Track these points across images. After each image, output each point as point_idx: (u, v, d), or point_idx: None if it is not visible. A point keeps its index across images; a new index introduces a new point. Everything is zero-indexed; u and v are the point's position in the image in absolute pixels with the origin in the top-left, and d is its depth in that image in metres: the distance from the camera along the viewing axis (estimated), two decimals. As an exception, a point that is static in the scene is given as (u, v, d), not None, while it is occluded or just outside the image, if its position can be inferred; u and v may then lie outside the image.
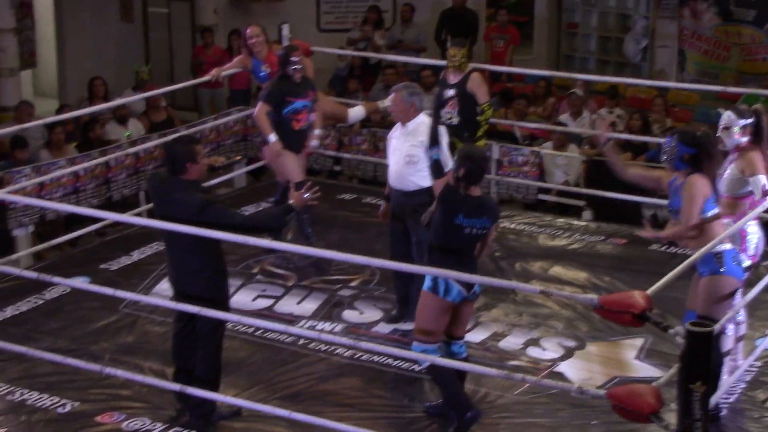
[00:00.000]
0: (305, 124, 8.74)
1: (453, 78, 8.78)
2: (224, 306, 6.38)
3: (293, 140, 8.70)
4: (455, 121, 8.72)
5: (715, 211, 6.25)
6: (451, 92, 8.74)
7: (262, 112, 8.62)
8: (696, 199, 6.15)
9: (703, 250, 5.88)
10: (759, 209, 6.59)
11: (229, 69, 9.82)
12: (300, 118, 8.67)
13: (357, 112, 9.58)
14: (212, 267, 6.31)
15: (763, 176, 6.76)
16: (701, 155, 6.20)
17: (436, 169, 6.60)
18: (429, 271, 6.06)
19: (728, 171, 6.87)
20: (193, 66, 13.89)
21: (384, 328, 7.70)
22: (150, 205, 7.96)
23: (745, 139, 6.88)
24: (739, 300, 6.37)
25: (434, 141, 6.85)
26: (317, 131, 9.03)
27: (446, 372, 6.29)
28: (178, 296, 6.37)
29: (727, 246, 6.21)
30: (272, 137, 8.59)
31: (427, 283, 6.29)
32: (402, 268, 6.67)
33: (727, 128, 6.92)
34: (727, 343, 6.62)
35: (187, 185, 6.19)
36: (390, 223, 7.71)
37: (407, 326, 7.55)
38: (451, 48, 8.79)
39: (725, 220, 6.59)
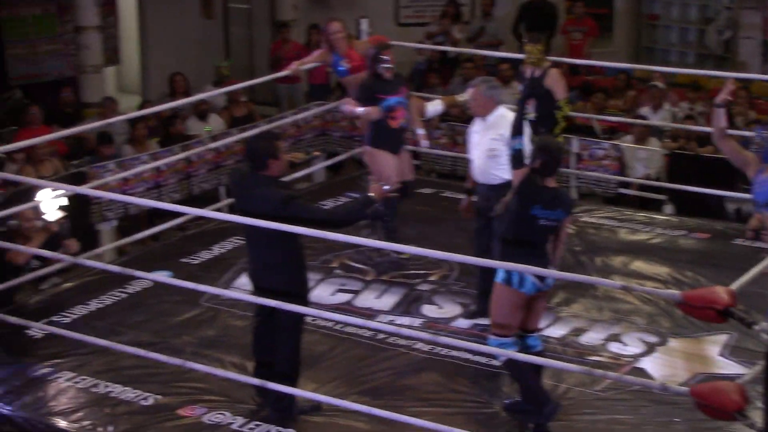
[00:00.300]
0: (403, 121, 8.61)
1: (530, 73, 8.72)
2: (304, 300, 6.41)
3: (391, 140, 8.56)
4: (532, 116, 8.62)
5: None
6: (533, 90, 8.61)
7: (370, 109, 8.51)
8: None
9: None
10: None
11: (308, 63, 9.85)
12: (395, 115, 8.53)
13: (435, 106, 9.55)
14: (292, 261, 6.34)
15: None
16: None
17: (517, 159, 6.58)
18: (509, 266, 6.04)
19: None
20: (272, 61, 13.98)
21: (463, 323, 7.68)
22: (230, 200, 8.05)
23: None
24: None
25: (517, 131, 6.83)
26: (420, 131, 8.86)
27: (523, 366, 6.27)
28: (258, 290, 6.41)
29: None
30: (361, 108, 8.52)
31: (500, 275, 6.27)
32: (478, 262, 6.63)
33: None
34: None
35: (268, 181, 6.22)
36: (474, 217, 7.70)
37: (486, 321, 7.53)
38: (527, 44, 8.70)
39: None
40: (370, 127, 8.62)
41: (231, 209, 6.79)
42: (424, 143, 8.94)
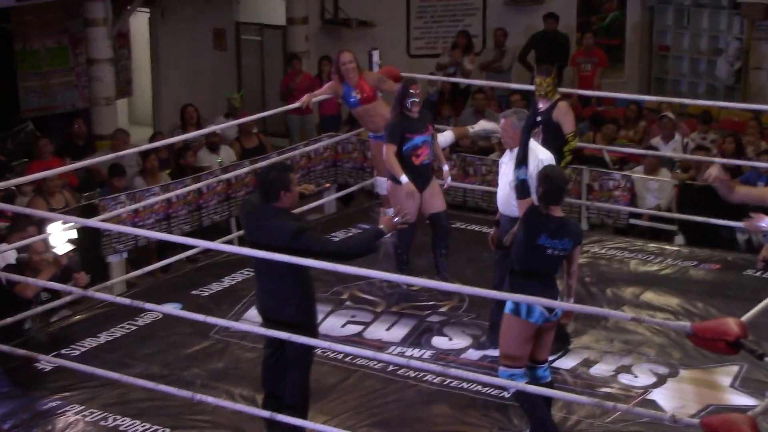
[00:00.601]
0: (426, 158, 8.52)
1: (541, 105, 8.69)
2: (313, 332, 6.41)
3: (413, 176, 8.47)
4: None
5: None
6: (537, 119, 8.59)
7: (390, 153, 8.44)
8: None
9: None
10: None
11: (319, 95, 9.88)
12: (420, 153, 8.46)
13: (446, 137, 9.57)
14: (302, 293, 6.34)
15: None
16: None
17: (521, 190, 6.57)
18: (522, 298, 6.03)
19: None
20: (283, 93, 14.03)
21: (473, 355, 7.66)
22: (241, 232, 8.06)
23: None
24: None
25: (522, 161, 6.84)
26: (445, 167, 8.82)
27: (533, 398, 6.24)
28: (268, 322, 6.41)
29: None
30: (404, 178, 8.39)
31: (509, 306, 6.28)
32: (486, 294, 6.59)
33: None
34: None
35: (280, 212, 6.22)
36: (495, 249, 7.67)
37: (497, 352, 7.52)
38: (537, 77, 8.64)
39: None
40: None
41: (241, 241, 6.79)
42: (447, 180, 8.83)
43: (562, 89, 9.18)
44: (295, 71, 14.16)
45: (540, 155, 7.38)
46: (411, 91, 8.43)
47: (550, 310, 6.20)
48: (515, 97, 12.70)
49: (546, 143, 8.04)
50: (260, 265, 6.35)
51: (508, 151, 7.56)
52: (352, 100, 9.46)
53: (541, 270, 6.29)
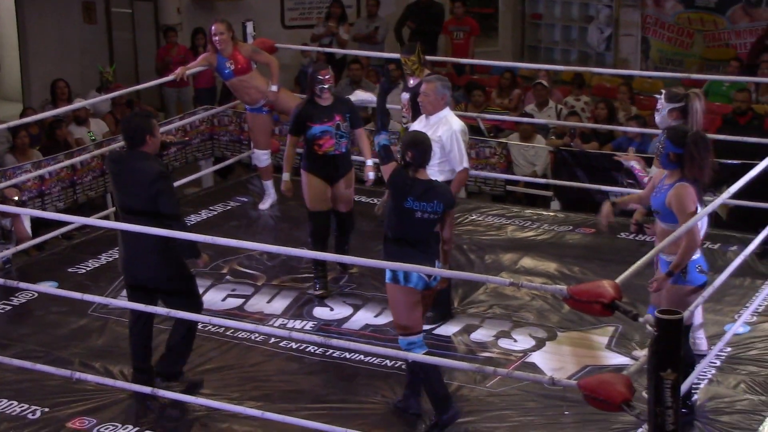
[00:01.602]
0: (331, 149, 8.09)
1: (411, 81, 8.67)
2: (186, 280, 6.63)
3: (316, 165, 8.11)
4: (409, 125, 8.47)
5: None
6: (406, 96, 8.56)
7: (288, 144, 8.21)
8: (687, 210, 6.03)
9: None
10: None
11: (193, 67, 9.76)
12: (321, 143, 8.04)
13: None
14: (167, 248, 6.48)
15: None
16: (687, 155, 6.05)
17: (385, 155, 6.58)
18: (399, 266, 6.05)
19: None
20: (158, 66, 13.81)
21: (355, 325, 7.68)
22: (114, 208, 7.94)
23: (673, 123, 6.68)
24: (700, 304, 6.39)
25: (383, 127, 6.87)
26: (368, 162, 8.34)
27: (429, 366, 6.28)
28: (132, 281, 6.57)
29: (696, 255, 6.16)
30: (285, 176, 8.23)
31: (387, 275, 6.30)
32: (365, 263, 6.60)
33: (657, 110, 6.89)
34: (702, 344, 6.72)
35: (146, 155, 6.49)
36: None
37: (378, 321, 7.56)
38: (402, 56, 8.47)
39: None
40: (304, 151, 8.29)
41: (117, 217, 6.70)
42: (369, 175, 8.40)
43: (435, 58, 9.15)
44: (171, 44, 13.94)
45: (454, 125, 7.39)
46: (319, 77, 8.02)
47: (429, 275, 6.22)
48: (392, 66, 12.70)
49: (415, 117, 8.06)
50: (128, 219, 6.46)
51: (422, 117, 7.54)
52: (226, 71, 9.37)
53: (414, 235, 6.29)
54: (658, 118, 6.83)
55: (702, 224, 6.59)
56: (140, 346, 6.69)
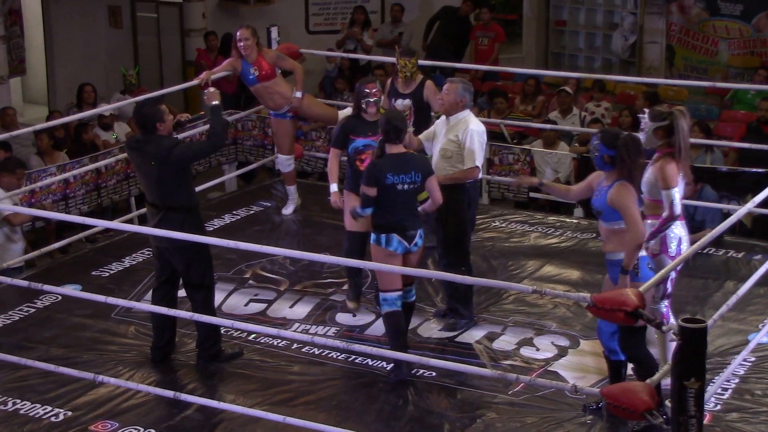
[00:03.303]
0: None
1: (405, 88, 8.52)
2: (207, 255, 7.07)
3: (359, 184, 7.84)
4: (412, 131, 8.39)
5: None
6: (406, 101, 8.46)
7: (331, 157, 8.00)
8: (630, 208, 6.19)
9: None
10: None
11: (218, 72, 9.78)
12: (364, 157, 7.81)
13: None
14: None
15: (675, 190, 6.56)
16: (619, 157, 6.22)
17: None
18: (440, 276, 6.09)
19: (647, 173, 6.70)
20: (197, 70, 13.83)
21: (377, 331, 7.67)
22: (142, 210, 7.99)
23: (659, 142, 6.70)
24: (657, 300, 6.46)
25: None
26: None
27: (395, 322, 6.87)
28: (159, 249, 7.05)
29: (642, 253, 6.26)
30: (332, 187, 7.99)
31: (372, 236, 6.93)
32: (388, 269, 6.63)
33: (642, 130, 6.85)
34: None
35: (159, 137, 6.92)
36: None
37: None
38: (401, 58, 8.48)
39: (648, 221, 6.58)
40: (347, 170, 8.09)
41: (141, 221, 6.77)
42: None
43: (456, 65, 9.09)
44: (209, 47, 14.03)
45: (472, 125, 7.42)
46: (366, 90, 7.78)
47: (409, 240, 6.85)
48: (379, 72, 12.80)
49: (416, 124, 8.03)
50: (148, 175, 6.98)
51: (443, 117, 7.57)
52: (250, 77, 9.39)
53: (400, 205, 6.84)
54: (643, 137, 6.71)
55: (681, 242, 6.66)
56: (158, 319, 7.08)
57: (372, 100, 7.77)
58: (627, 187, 6.22)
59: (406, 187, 6.81)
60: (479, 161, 7.52)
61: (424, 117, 8.54)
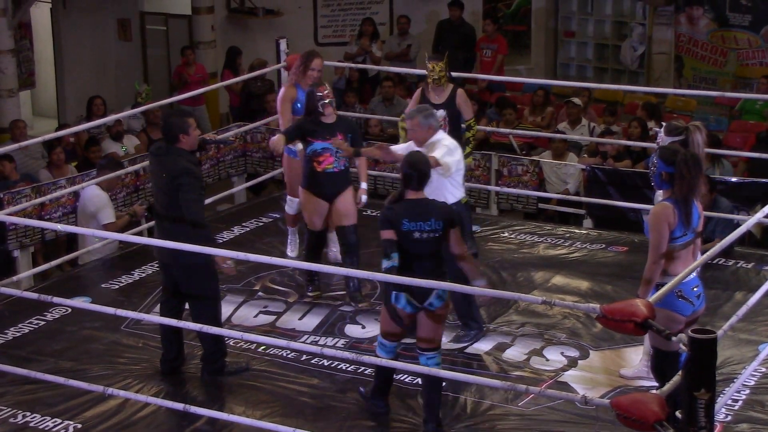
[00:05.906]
0: (330, 166, 8.07)
1: (437, 97, 8.50)
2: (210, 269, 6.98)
3: (316, 183, 8.13)
4: None
5: (687, 239, 6.16)
6: (440, 112, 8.42)
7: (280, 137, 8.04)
8: (657, 228, 6.06)
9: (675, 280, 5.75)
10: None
11: (285, 114, 8.95)
12: (321, 159, 8.03)
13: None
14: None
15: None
16: (678, 174, 6.05)
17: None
18: (413, 282, 6.01)
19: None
20: (174, 83, 13.87)
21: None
22: (150, 224, 8.00)
23: None
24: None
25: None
26: (363, 185, 8.35)
27: (383, 369, 6.59)
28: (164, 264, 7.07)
29: (691, 277, 6.07)
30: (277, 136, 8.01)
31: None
32: (397, 280, 6.61)
33: (657, 144, 6.80)
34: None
35: (180, 152, 6.89)
36: None
37: (409, 339, 7.54)
38: (430, 62, 8.49)
39: None
40: (303, 168, 8.26)
41: (150, 233, 6.78)
42: (362, 198, 8.37)
43: (464, 74, 9.04)
44: (188, 61, 14.00)
45: (445, 142, 7.41)
46: (318, 93, 8.00)
47: (421, 300, 6.28)
48: (387, 83, 12.87)
49: (452, 133, 8.02)
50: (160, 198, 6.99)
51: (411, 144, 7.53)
52: (299, 105, 8.79)
53: (416, 257, 6.29)
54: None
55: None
56: (166, 332, 7.08)
57: (327, 101, 8.01)
58: (665, 209, 6.07)
59: (424, 236, 6.26)
60: (443, 159, 7.34)
61: (457, 125, 8.51)
